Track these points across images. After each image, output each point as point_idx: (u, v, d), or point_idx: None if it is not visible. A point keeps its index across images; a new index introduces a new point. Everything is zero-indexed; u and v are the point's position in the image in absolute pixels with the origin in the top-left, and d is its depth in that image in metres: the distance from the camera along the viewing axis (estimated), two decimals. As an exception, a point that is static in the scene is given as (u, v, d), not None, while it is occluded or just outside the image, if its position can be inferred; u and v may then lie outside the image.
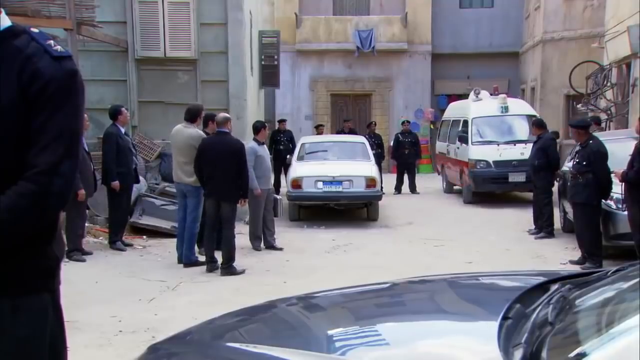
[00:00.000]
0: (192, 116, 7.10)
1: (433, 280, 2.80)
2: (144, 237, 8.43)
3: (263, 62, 12.83)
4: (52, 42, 1.68)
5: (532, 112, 12.19)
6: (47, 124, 1.62)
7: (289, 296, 2.75)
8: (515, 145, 11.48)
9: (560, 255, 7.48)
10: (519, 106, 12.53)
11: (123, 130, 7.68)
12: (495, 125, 12.05)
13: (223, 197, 6.66)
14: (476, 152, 11.69)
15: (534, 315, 1.86)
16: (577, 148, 7.17)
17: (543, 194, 8.76)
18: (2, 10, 1.68)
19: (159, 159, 9.61)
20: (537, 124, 9.26)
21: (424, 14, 19.67)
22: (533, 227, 8.91)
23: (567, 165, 7.99)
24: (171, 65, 9.84)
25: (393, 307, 2.48)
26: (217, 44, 9.86)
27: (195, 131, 7.04)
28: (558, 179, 8.85)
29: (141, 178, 8.60)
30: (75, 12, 8.20)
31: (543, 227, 8.68)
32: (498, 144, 11.64)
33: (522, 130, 11.82)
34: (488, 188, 11.72)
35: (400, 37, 19.49)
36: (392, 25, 19.55)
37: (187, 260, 6.95)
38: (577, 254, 7.14)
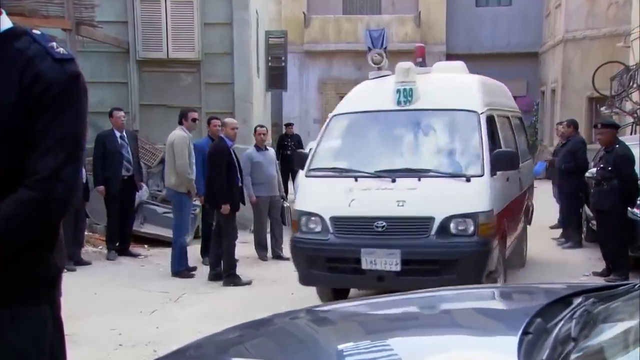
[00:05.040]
0: (179, 118, 7.25)
1: (449, 293, 2.79)
2: (145, 246, 8.46)
3: (270, 64, 12.88)
4: (54, 44, 1.71)
5: (472, 107, 5.76)
6: (49, 128, 1.64)
7: (297, 309, 2.75)
8: (394, 182, 5.35)
9: (583, 266, 7.42)
10: (454, 94, 5.98)
11: (119, 133, 7.75)
12: (376, 134, 5.98)
13: (211, 204, 6.90)
14: (307, 195, 5.74)
15: (556, 331, 1.84)
16: (602, 152, 7.13)
17: (570, 201, 8.67)
18: (3, 11, 1.70)
19: (161, 164, 9.65)
20: (572, 124, 8.99)
21: (438, 13, 19.71)
22: (560, 235, 8.86)
23: (591, 171, 7.93)
24: (174, 67, 9.90)
25: (406, 320, 2.47)
26: (222, 45, 9.91)
27: (178, 131, 7.13)
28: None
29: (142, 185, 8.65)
30: (75, 12, 8.27)
31: (572, 236, 8.61)
32: (356, 178, 5.47)
33: (431, 146, 5.78)
34: (316, 281, 5.66)
35: (414, 37, 19.54)
36: (404, 25, 19.60)
37: (172, 269, 7.06)
38: (601, 265, 7.08)
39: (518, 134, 7.23)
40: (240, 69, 9.97)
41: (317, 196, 5.63)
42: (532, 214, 7.76)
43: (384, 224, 5.22)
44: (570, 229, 8.68)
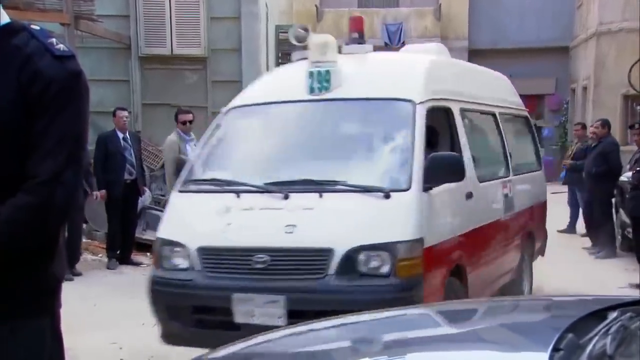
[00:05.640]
0: (175, 119, 7.37)
1: (472, 305, 2.77)
2: (148, 254, 8.49)
3: (280, 60, 12.91)
4: (53, 40, 1.74)
5: (406, 95, 4.45)
6: (49, 128, 1.66)
7: (310, 321, 2.75)
8: (286, 198, 4.13)
9: (618, 277, 7.36)
10: (387, 78, 4.75)
11: (121, 134, 7.81)
12: (276, 134, 4.91)
13: None
14: (173, 217, 4.52)
15: (590, 347, 1.82)
16: (638, 155, 7.08)
17: (601, 207, 8.61)
18: (0, 6, 1.72)
19: (163, 167, 9.72)
20: (607, 124, 8.92)
21: (459, 5, 19.68)
22: (591, 244, 8.81)
23: (626, 175, 7.88)
24: (178, 64, 9.96)
25: (426, 334, 2.46)
26: (230, 40, 9.96)
27: (171, 136, 7.23)
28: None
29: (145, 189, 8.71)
30: (73, 5, 8.36)
31: (605, 244, 8.56)
32: (238, 194, 4.25)
33: (344, 149, 4.54)
34: (180, 339, 4.17)
35: (433, 31, 19.52)
36: (424, 19, 19.59)
37: None
38: (638, 277, 7.02)
39: (513, 138, 5.96)
40: (249, 65, 10.00)
41: (184, 219, 4.36)
42: (544, 243, 6.51)
43: (266, 258, 3.89)
44: (603, 237, 8.62)
